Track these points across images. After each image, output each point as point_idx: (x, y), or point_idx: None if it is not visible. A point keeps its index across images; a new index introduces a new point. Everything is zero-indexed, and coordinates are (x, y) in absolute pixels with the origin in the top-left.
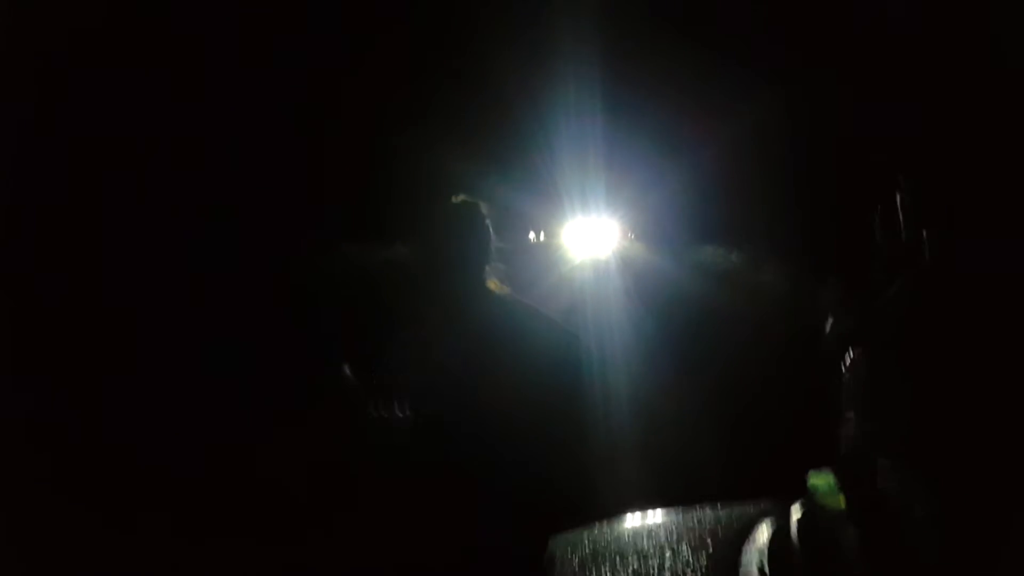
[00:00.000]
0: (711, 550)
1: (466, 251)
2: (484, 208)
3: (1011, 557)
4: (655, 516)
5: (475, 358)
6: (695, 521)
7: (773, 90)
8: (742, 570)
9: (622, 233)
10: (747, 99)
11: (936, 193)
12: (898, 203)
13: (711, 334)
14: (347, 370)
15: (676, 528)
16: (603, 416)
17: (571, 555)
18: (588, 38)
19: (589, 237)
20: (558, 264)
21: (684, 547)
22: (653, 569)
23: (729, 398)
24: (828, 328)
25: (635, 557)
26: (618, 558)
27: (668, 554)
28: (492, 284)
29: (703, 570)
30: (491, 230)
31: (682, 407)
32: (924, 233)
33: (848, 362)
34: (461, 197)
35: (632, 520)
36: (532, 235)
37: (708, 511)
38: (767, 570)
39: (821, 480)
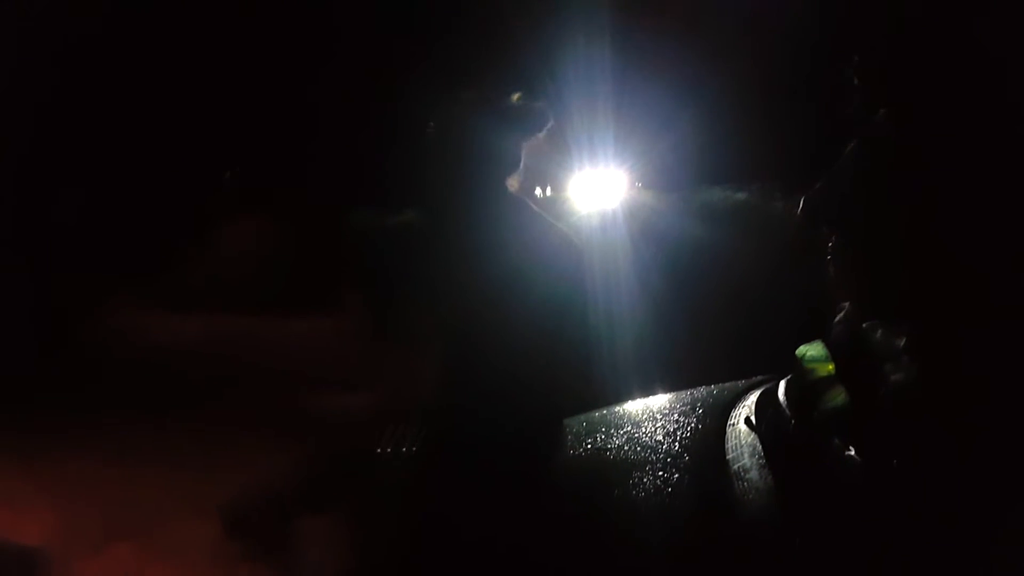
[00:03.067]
0: (701, 413)
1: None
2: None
3: (988, 415)
4: (650, 400)
5: (494, 262)
6: (688, 396)
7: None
8: (729, 424)
9: (629, 182)
10: (754, 38)
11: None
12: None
13: (716, 271)
14: None
15: (669, 403)
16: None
17: (569, 429)
18: None
19: (597, 188)
20: (565, 217)
21: (676, 415)
22: (644, 434)
23: (729, 307)
24: (799, 210)
25: (628, 425)
26: (613, 429)
27: (660, 421)
28: (512, 183)
29: (692, 427)
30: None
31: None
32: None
33: (826, 243)
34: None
35: (627, 404)
36: (539, 190)
37: (702, 390)
38: (753, 420)
39: (811, 350)
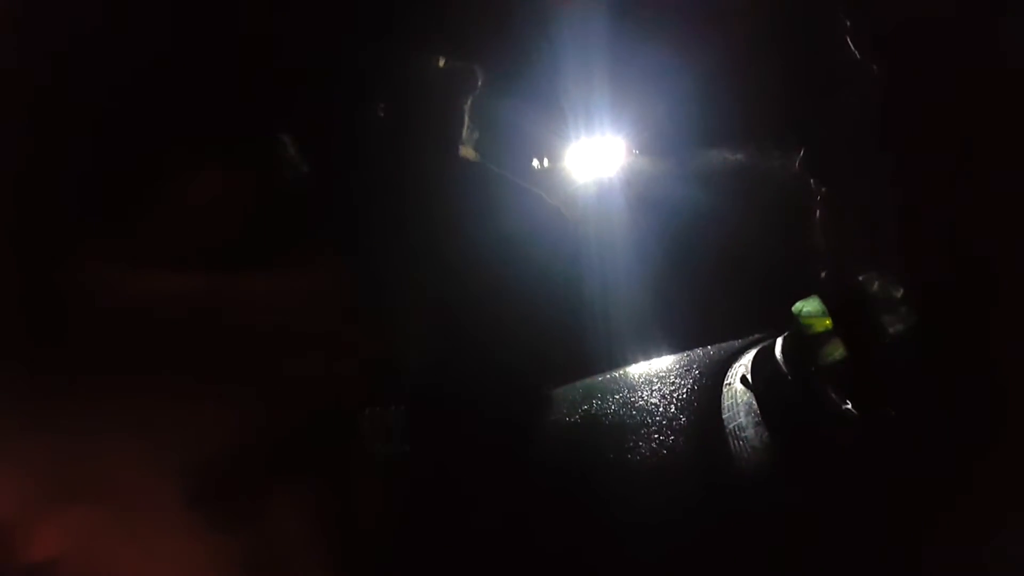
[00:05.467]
0: (697, 374)
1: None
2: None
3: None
4: (647, 364)
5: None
6: (685, 358)
7: None
8: (725, 383)
9: (627, 150)
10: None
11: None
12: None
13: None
14: None
15: (667, 366)
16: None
17: (563, 397)
18: None
19: (594, 157)
20: (563, 187)
21: (672, 378)
22: (640, 398)
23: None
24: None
25: (625, 390)
26: (608, 395)
27: (656, 384)
28: (467, 152)
29: (688, 389)
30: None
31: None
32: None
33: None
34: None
35: (623, 369)
36: (536, 162)
37: (699, 351)
38: (749, 379)
39: (807, 305)
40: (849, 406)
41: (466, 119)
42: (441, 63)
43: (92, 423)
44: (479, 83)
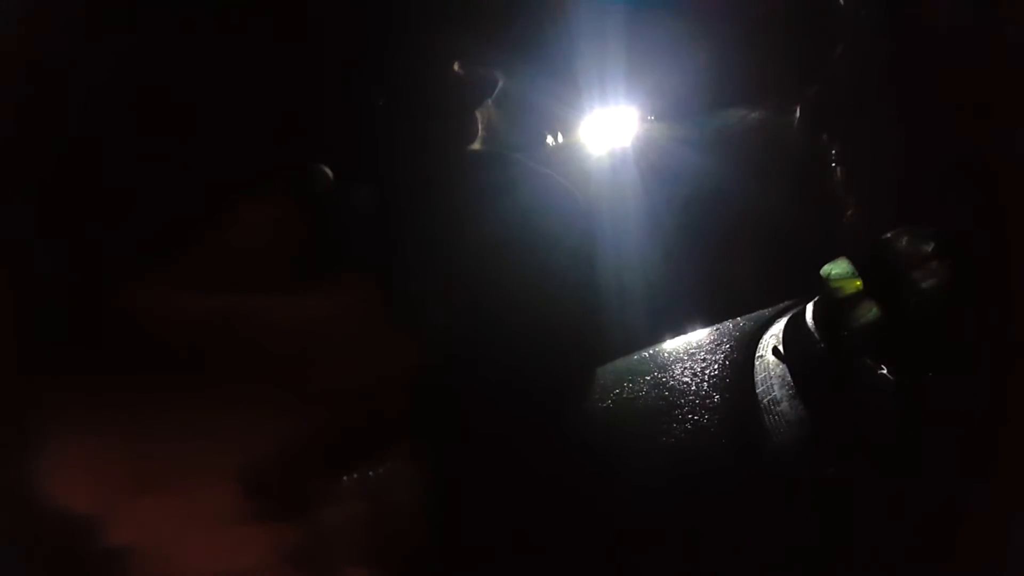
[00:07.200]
0: (728, 348)
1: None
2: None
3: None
4: (676, 341)
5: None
6: (715, 333)
7: None
8: (757, 356)
9: (641, 117)
10: None
11: None
12: None
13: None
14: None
15: (696, 342)
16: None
17: (595, 381)
18: None
19: (608, 128)
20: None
21: (703, 354)
22: (671, 378)
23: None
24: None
25: (655, 371)
26: (639, 376)
27: (687, 362)
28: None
29: (719, 364)
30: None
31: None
32: None
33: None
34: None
35: (652, 348)
36: (549, 138)
37: (728, 324)
38: (781, 350)
39: (836, 268)
40: (884, 371)
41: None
42: (457, 67)
43: (157, 427)
44: (498, 86)
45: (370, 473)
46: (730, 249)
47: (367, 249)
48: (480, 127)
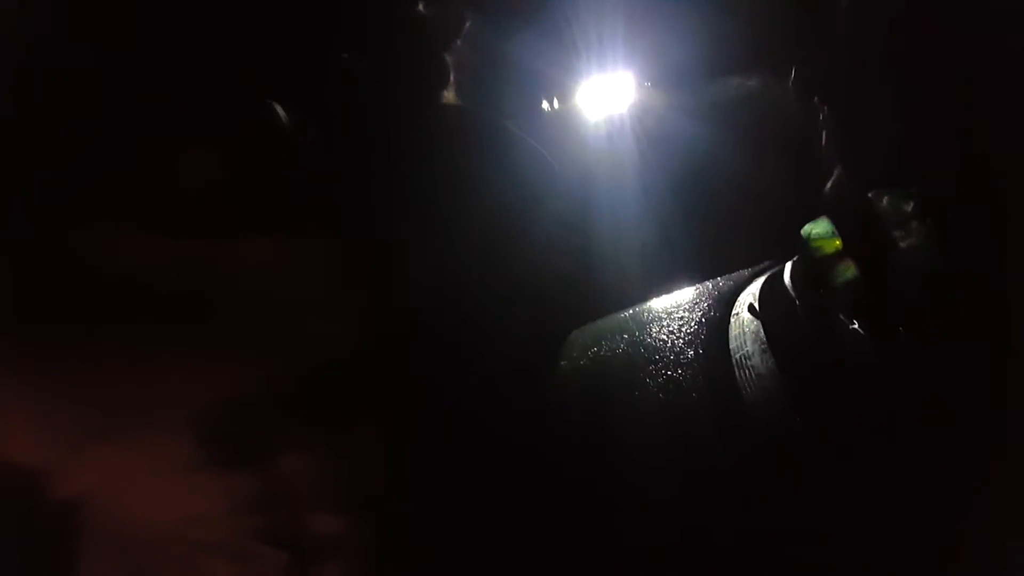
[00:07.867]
0: (706, 307)
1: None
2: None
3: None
4: (656, 301)
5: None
6: (694, 292)
7: None
8: (733, 313)
9: (638, 84)
10: None
11: None
12: None
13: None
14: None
15: (676, 301)
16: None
17: (574, 340)
18: None
19: (606, 94)
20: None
21: (681, 312)
22: (649, 335)
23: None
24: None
25: (634, 329)
26: (617, 335)
27: (664, 320)
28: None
29: (696, 322)
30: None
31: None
32: None
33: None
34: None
35: (633, 308)
36: (546, 104)
37: (708, 283)
38: (757, 307)
39: (816, 227)
40: (857, 326)
41: (451, 68)
42: (421, 7)
43: (106, 375)
44: (466, 27)
45: (332, 423)
46: (719, 211)
47: (325, 194)
48: (451, 72)
